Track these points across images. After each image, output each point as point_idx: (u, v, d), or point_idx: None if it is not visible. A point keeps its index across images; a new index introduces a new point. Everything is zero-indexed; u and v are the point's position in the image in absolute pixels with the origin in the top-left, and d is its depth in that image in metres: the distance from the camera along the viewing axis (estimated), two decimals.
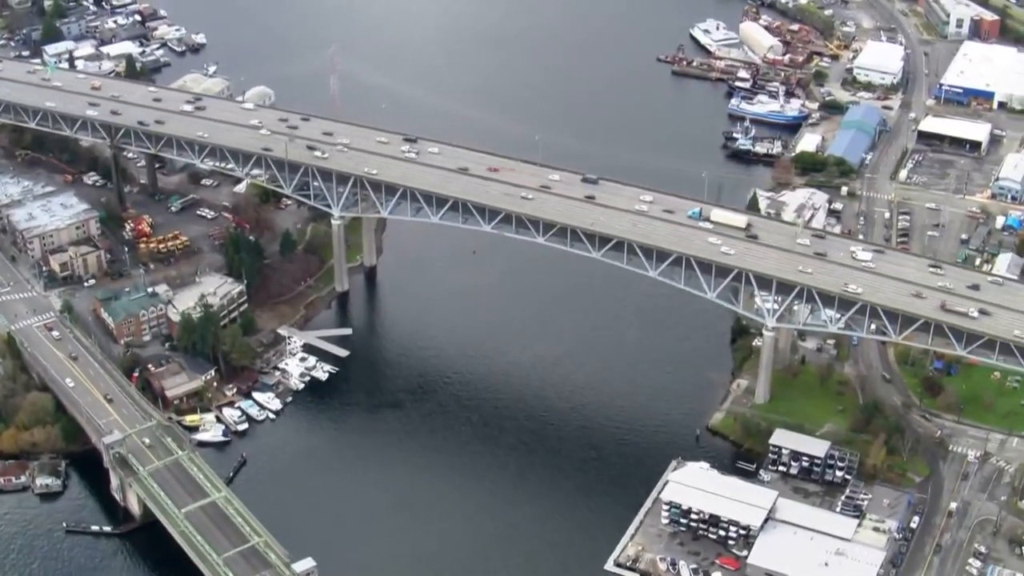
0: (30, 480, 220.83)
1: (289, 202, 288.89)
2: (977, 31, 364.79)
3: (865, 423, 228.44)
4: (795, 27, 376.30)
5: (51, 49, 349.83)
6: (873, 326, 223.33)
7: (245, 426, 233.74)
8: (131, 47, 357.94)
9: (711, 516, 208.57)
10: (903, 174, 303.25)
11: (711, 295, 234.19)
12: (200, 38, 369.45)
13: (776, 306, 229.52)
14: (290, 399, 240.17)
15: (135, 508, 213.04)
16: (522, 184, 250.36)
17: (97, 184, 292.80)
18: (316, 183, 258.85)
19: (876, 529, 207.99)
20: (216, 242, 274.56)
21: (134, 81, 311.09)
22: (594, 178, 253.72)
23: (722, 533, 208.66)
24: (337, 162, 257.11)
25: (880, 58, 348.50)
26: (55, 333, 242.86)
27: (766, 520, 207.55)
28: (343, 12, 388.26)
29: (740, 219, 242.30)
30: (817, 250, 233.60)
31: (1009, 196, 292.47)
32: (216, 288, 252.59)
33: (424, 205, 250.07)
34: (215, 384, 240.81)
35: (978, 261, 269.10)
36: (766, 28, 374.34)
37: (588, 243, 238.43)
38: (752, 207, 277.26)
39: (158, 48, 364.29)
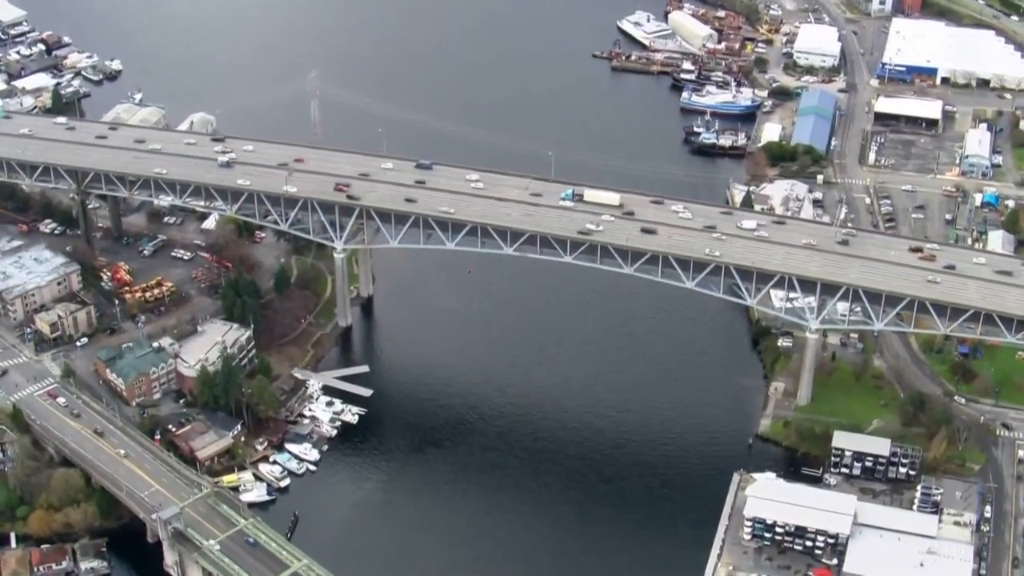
0: (72, 565, 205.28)
1: (264, 235, 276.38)
2: (900, 7, 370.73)
3: (913, 416, 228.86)
4: (721, 14, 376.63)
5: None
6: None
7: (287, 481, 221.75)
8: (46, 79, 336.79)
9: (797, 528, 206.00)
10: (871, 157, 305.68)
11: (751, 302, 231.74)
12: (115, 64, 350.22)
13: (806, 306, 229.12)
14: (325, 447, 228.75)
15: None
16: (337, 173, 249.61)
17: (56, 232, 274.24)
18: (316, 216, 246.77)
19: (957, 523, 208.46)
20: (202, 285, 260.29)
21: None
22: (428, 163, 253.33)
23: (808, 544, 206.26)
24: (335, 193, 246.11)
25: (817, 41, 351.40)
26: (61, 400, 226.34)
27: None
28: (261, 30, 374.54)
29: (614, 197, 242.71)
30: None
31: (979, 173, 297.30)
32: (223, 335, 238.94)
33: (438, 231, 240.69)
34: (243, 439, 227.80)
35: (969, 240, 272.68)
36: (692, 16, 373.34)
37: (620, 259, 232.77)
38: (746, 204, 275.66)
39: (73, 78, 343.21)
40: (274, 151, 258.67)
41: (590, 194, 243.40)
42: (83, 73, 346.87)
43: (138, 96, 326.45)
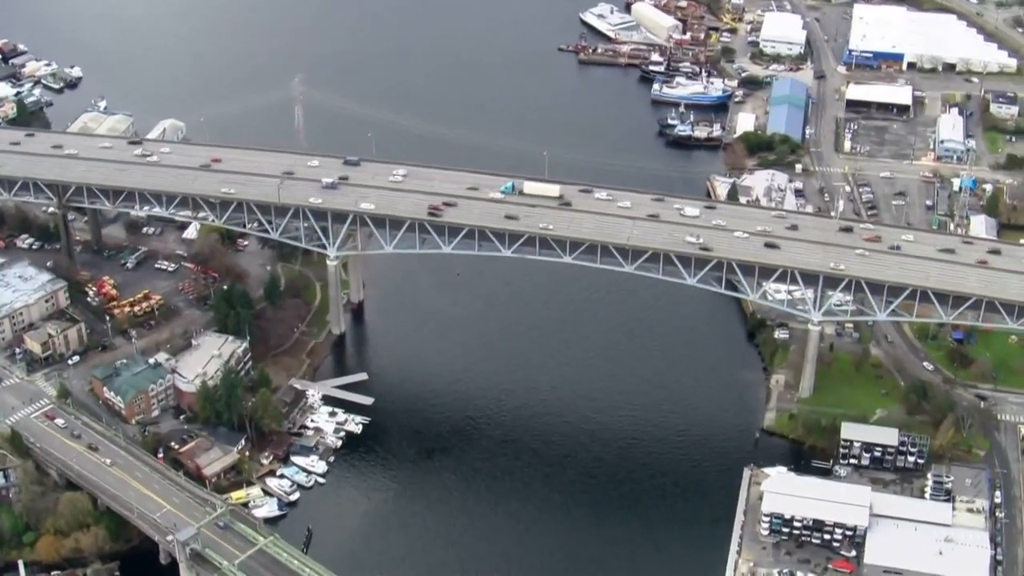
0: None
1: (247, 242, 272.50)
2: None
3: (917, 404, 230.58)
4: (683, 3, 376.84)
5: None
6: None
7: (297, 495, 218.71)
8: (6, 89, 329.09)
9: (815, 521, 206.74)
10: (847, 145, 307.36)
11: (753, 296, 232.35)
12: (76, 71, 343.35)
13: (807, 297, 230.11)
14: (332, 458, 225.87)
15: None
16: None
17: (34, 247, 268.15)
18: (307, 223, 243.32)
19: (970, 510, 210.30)
20: (190, 296, 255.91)
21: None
22: (355, 160, 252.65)
23: (826, 537, 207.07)
24: (333, 201, 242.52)
25: (783, 29, 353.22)
26: (60, 421, 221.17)
27: None
28: (219, 37, 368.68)
29: (553, 189, 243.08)
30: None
31: (955, 157, 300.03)
32: (219, 348, 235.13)
33: (434, 235, 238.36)
34: (247, 454, 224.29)
35: (951, 225, 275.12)
36: (655, 7, 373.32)
37: (621, 258, 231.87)
38: (731, 196, 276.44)
39: (33, 87, 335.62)
40: (194, 151, 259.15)
41: (529, 186, 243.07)
42: (43, 81, 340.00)
43: (102, 104, 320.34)
